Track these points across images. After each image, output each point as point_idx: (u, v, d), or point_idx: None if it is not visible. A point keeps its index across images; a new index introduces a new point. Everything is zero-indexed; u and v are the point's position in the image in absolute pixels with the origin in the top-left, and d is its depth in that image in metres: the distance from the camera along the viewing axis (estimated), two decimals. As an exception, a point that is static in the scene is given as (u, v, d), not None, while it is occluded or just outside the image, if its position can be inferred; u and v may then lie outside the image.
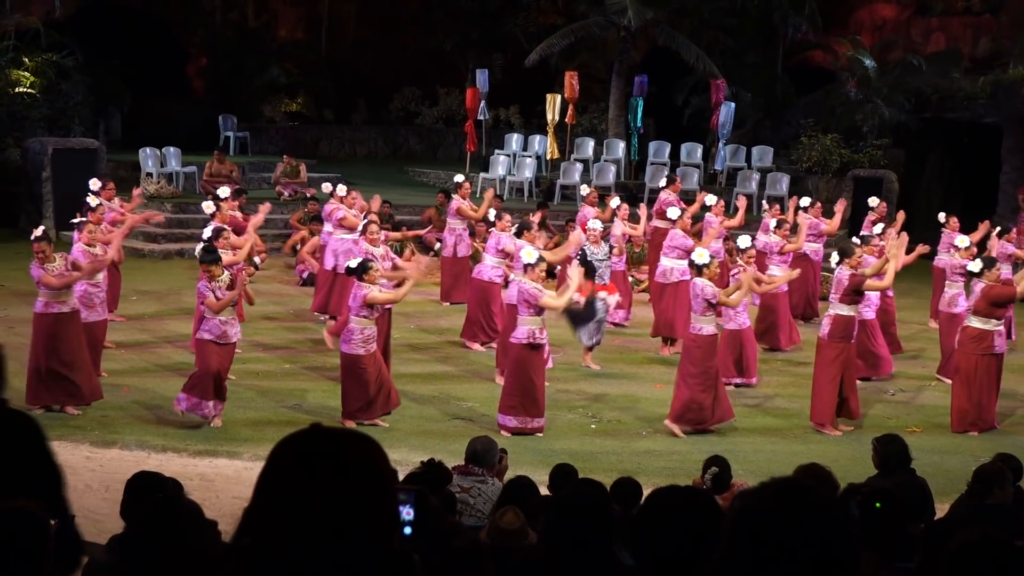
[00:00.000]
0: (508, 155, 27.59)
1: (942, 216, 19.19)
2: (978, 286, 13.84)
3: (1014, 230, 18.51)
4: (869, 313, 15.13)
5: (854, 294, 13.43)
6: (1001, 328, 13.78)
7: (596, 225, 16.13)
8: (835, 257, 13.88)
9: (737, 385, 14.69)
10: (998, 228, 18.26)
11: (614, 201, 19.12)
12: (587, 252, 15.84)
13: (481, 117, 27.48)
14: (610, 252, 15.96)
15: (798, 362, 16.39)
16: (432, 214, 22.86)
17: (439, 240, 21.69)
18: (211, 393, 12.48)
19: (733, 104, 26.47)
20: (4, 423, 5.43)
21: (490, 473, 8.30)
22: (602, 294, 15.48)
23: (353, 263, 13.16)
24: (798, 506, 2.64)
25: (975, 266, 13.97)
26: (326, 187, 19.58)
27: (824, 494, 2.72)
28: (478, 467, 8.23)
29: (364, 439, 2.59)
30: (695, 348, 13.16)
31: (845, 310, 13.43)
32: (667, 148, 27.57)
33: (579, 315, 15.08)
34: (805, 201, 19.61)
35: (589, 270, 15.58)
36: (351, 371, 12.81)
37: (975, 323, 13.69)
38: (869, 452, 8.95)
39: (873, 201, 20.41)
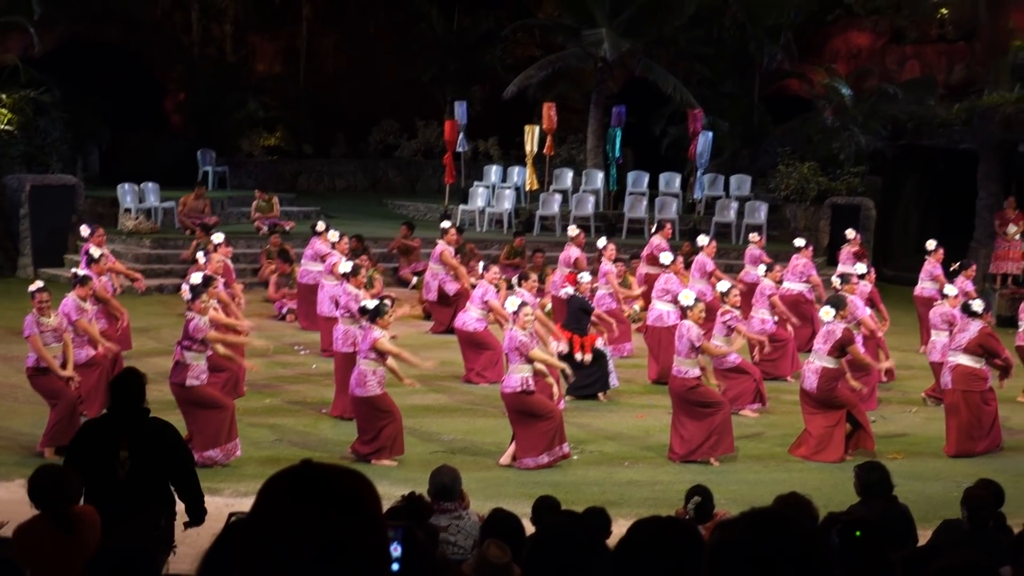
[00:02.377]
0: (487, 187, 27.62)
1: (931, 244, 19.27)
2: (972, 325, 13.93)
3: (973, 266, 18.55)
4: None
5: (841, 350, 13.53)
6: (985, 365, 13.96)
7: (585, 277, 16.26)
8: (828, 310, 13.83)
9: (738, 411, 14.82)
10: (958, 263, 18.29)
11: (600, 241, 19.18)
12: (581, 300, 15.93)
13: (460, 149, 27.51)
14: (590, 311, 16.10)
15: (783, 391, 16.43)
16: (400, 244, 22.90)
17: (416, 275, 21.72)
18: (233, 432, 12.54)
19: (711, 133, 26.59)
20: (156, 429, 7.84)
21: (461, 506, 8.25)
22: (600, 342, 15.72)
23: (369, 304, 13.17)
24: (776, 537, 2.65)
25: (978, 305, 14.11)
26: (320, 225, 19.58)
27: (802, 524, 2.73)
28: (448, 502, 8.16)
29: (355, 475, 2.58)
30: (685, 391, 13.31)
31: (831, 362, 13.51)
32: (646, 178, 27.63)
33: (600, 367, 15.48)
34: (799, 242, 19.60)
35: (585, 317, 15.70)
36: (374, 411, 12.80)
37: (968, 361, 13.80)
38: (851, 480, 8.96)
39: (850, 233, 20.48)
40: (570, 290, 16.21)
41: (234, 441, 12.56)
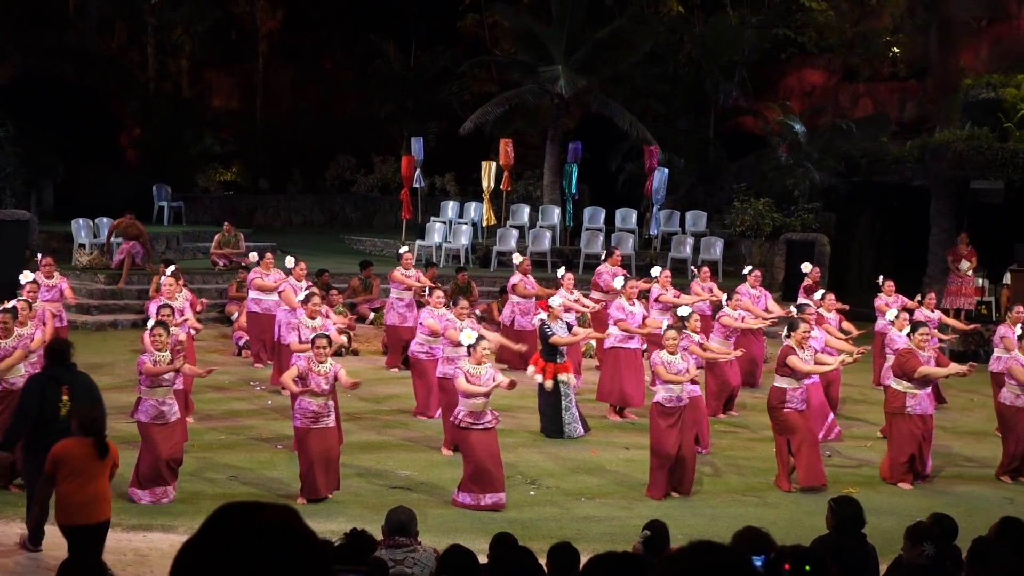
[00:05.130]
0: (444, 222, 27.66)
1: (882, 278, 19.46)
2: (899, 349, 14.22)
3: (931, 295, 18.75)
4: (814, 376, 15.21)
5: (783, 366, 13.63)
6: (917, 392, 13.92)
7: (555, 302, 16.20)
8: (785, 331, 14.15)
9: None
10: (918, 296, 18.55)
11: (560, 271, 19.20)
12: (547, 329, 15.81)
13: (417, 185, 27.54)
14: (569, 328, 16.00)
15: (740, 425, 16.49)
16: (356, 284, 22.86)
17: (374, 311, 21.68)
18: (167, 478, 12.36)
19: (666, 170, 26.73)
20: (84, 379, 11.09)
21: (416, 541, 8.22)
22: (563, 376, 15.56)
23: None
24: (717, 568, 2.66)
25: (904, 332, 14.35)
26: (253, 256, 19.68)
27: (740, 556, 2.75)
28: (404, 537, 8.14)
29: (281, 510, 2.54)
30: (651, 416, 13.44)
31: (780, 381, 13.62)
32: (602, 214, 27.76)
33: (552, 406, 15.38)
34: (747, 269, 19.69)
35: (550, 348, 15.64)
36: (299, 446, 12.71)
37: (892, 384, 14.05)
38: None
39: (806, 267, 20.60)
40: (544, 316, 16.14)
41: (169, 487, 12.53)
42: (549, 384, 15.50)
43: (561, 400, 15.63)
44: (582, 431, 15.73)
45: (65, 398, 10.61)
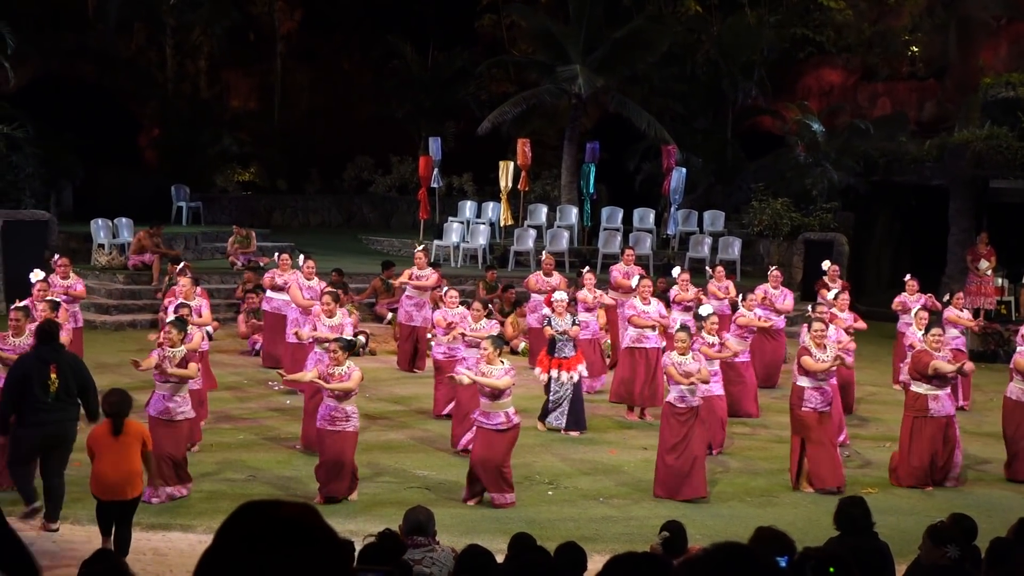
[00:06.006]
0: (462, 222, 27.64)
1: (909, 276, 19.42)
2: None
3: (959, 294, 18.71)
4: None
5: (798, 365, 13.63)
6: (939, 393, 13.85)
7: (561, 296, 16.18)
8: (804, 331, 14.17)
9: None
10: (946, 296, 18.52)
11: (584, 270, 19.18)
12: (552, 322, 15.81)
13: (434, 185, 27.54)
14: (573, 323, 15.96)
15: (759, 426, 16.45)
16: (378, 284, 22.87)
17: (392, 311, 21.70)
18: (172, 479, 12.34)
19: (684, 169, 26.68)
20: (71, 359, 11.87)
21: (435, 541, 8.24)
22: (554, 372, 15.54)
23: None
24: (741, 570, 2.65)
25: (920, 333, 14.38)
26: (276, 256, 19.70)
27: (765, 557, 2.74)
28: (422, 536, 8.16)
29: (301, 508, 2.54)
30: (663, 416, 13.45)
31: (800, 380, 13.62)
32: (620, 214, 27.71)
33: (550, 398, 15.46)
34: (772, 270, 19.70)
35: (550, 342, 15.66)
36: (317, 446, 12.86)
37: (913, 388, 13.94)
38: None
39: (825, 264, 20.57)
40: (547, 311, 16.19)
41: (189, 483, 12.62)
42: (543, 377, 15.67)
43: (551, 394, 15.75)
44: (563, 425, 15.72)
45: (53, 376, 11.27)
